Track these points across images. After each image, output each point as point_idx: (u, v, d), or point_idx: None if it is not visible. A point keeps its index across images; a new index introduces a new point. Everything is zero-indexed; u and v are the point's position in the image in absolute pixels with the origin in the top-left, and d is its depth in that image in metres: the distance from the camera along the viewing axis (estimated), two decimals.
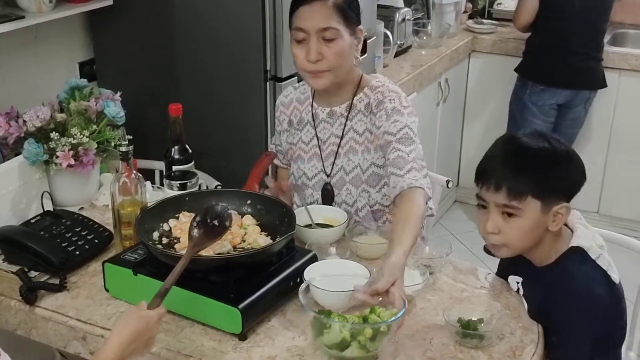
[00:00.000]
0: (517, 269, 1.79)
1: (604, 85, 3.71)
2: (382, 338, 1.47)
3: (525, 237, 1.68)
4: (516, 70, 3.77)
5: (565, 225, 1.74)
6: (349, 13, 1.92)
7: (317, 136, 2.09)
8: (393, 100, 1.96)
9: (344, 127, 2.04)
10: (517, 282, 1.78)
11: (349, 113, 2.03)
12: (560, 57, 3.58)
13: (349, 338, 1.46)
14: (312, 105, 2.10)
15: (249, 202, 1.86)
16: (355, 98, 2.03)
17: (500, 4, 4.43)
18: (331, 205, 2.08)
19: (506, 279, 1.83)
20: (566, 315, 1.63)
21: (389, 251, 1.62)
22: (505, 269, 1.85)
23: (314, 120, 2.09)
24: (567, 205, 1.67)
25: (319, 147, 2.09)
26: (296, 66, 1.98)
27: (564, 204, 1.66)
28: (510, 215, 1.66)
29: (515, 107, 3.77)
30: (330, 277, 1.66)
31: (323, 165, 2.08)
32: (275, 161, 2.23)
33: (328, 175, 2.08)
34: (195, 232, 1.56)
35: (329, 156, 2.07)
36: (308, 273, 1.68)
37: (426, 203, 1.83)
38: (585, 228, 1.73)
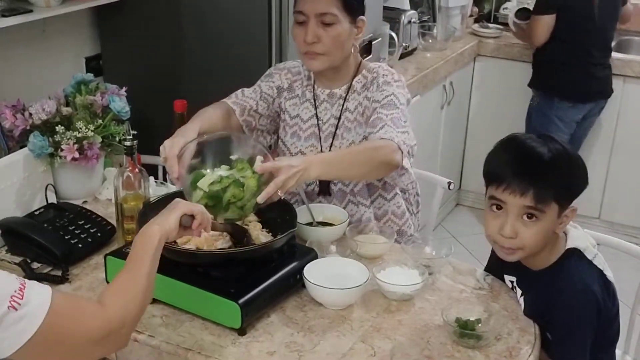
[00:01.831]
0: (510, 270, 1.80)
1: (612, 91, 3.72)
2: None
3: (539, 241, 1.66)
4: (536, 86, 3.74)
5: None
6: (350, 1, 1.97)
7: (317, 116, 2.11)
8: (385, 75, 2.04)
9: (342, 108, 2.08)
10: (512, 282, 1.79)
11: (347, 94, 2.07)
12: (583, 71, 3.56)
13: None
14: (313, 86, 2.12)
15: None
16: (355, 80, 2.08)
17: (506, 8, 4.43)
18: (328, 187, 2.10)
19: (499, 274, 1.84)
20: (566, 315, 1.63)
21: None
22: (496, 268, 1.85)
23: (315, 100, 2.11)
24: (574, 208, 1.67)
25: (319, 127, 2.11)
26: (296, 48, 2.03)
27: (573, 207, 1.67)
28: (530, 217, 1.63)
29: (539, 122, 3.70)
30: (330, 275, 1.69)
31: (321, 146, 2.11)
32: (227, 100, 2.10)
33: None
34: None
35: (327, 137, 2.10)
36: (308, 271, 1.69)
37: (402, 159, 1.85)
38: (575, 229, 1.74)
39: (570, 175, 1.66)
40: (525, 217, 1.63)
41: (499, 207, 1.66)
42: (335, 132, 2.09)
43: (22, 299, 1.17)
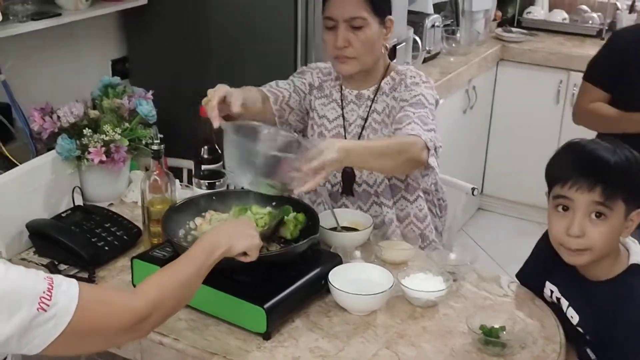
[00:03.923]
0: (557, 277, 1.76)
1: None
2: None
3: (607, 243, 1.62)
4: None
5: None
6: (378, 3, 1.98)
7: (343, 117, 2.12)
8: (414, 77, 2.05)
9: (369, 109, 2.09)
10: (552, 291, 1.77)
11: (375, 95, 2.08)
12: None
13: None
14: (341, 87, 2.13)
15: (274, 203, 1.88)
16: (383, 81, 2.09)
17: (530, 12, 4.42)
18: (351, 187, 2.11)
19: (535, 281, 1.81)
20: (631, 332, 1.59)
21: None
22: (539, 273, 1.82)
23: (342, 100, 2.12)
24: (638, 211, 1.63)
25: (344, 127, 2.12)
26: (327, 52, 2.04)
27: (638, 210, 1.63)
28: (599, 216, 1.60)
29: None
30: (354, 281, 1.69)
31: None
32: (262, 87, 2.12)
33: None
34: None
35: (353, 138, 2.11)
36: (333, 276, 1.70)
37: (427, 157, 1.86)
38: (635, 244, 1.70)
39: (638, 176, 1.62)
40: (593, 215, 1.59)
41: (565, 208, 1.62)
42: (361, 133, 2.10)
43: (50, 299, 1.19)
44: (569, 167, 1.63)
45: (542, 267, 1.80)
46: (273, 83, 2.14)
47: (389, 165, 1.87)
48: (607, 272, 1.66)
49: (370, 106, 2.09)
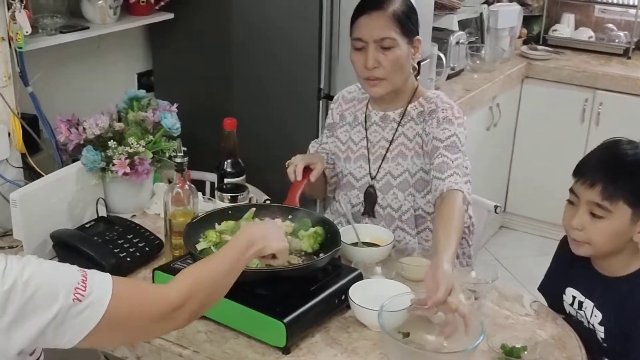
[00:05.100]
0: (577, 279, 1.78)
1: None
2: None
3: (608, 241, 1.68)
4: None
5: None
6: (407, 23, 1.99)
7: (367, 138, 2.13)
8: (445, 110, 2.02)
9: (395, 132, 2.08)
10: (574, 297, 1.78)
11: (401, 119, 2.08)
12: None
13: None
14: (366, 107, 2.14)
15: (290, 217, 1.88)
16: (410, 106, 2.08)
17: (555, 30, 4.40)
18: (373, 208, 2.11)
19: (557, 290, 1.81)
20: None
21: (436, 257, 1.64)
22: (560, 280, 1.83)
23: (366, 121, 2.13)
24: None
25: (367, 149, 2.12)
26: (355, 73, 2.05)
27: None
28: (596, 216, 1.65)
29: None
30: (374, 296, 1.68)
31: (369, 168, 2.11)
32: None
33: (373, 178, 2.11)
34: None
35: (377, 159, 2.11)
36: (353, 291, 1.70)
37: (467, 211, 1.89)
38: None
39: None
40: (591, 213, 1.65)
41: (573, 202, 1.71)
42: (385, 155, 2.09)
43: (85, 290, 1.21)
44: (585, 162, 1.72)
45: (563, 275, 1.83)
46: (321, 140, 2.24)
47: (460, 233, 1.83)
48: (624, 268, 1.70)
49: (397, 129, 2.08)
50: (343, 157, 2.17)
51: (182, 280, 1.36)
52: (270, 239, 1.52)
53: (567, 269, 1.84)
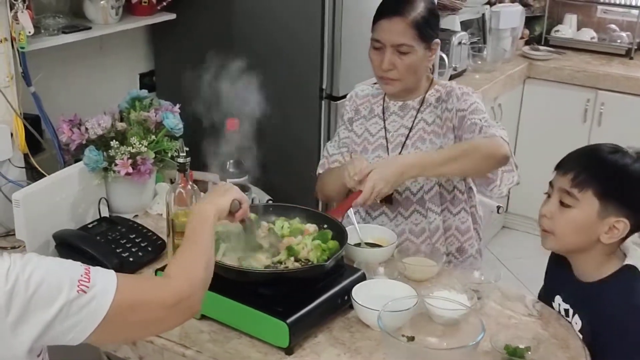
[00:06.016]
0: (561, 286, 1.79)
1: None
2: None
3: (573, 233, 1.69)
4: None
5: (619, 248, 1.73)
6: (426, 30, 2.02)
7: (385, 128, 2.15)
8: (462, 88, 2.11)
9: (415, 119, 2.11)
10: (559, 304, 1.78)
11: (420, 106, 2.12)
12: None
13: None
14: (384, 99, 2.17)
15: (295, 218, 1.88)
16: (428, 93, 2.12)
17: (557, 31, 4.40)
18: (391, 196, 2.10)
19: (550, 297, 1.82)
20: (622, 330, 1.60)
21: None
22: (550, 289, 1.84)
23: (384, 113, 2.16)
24: (625, 222, 1.65)
25: (386, 138, 2.14)
26: (373, 70, 2.09)
27: (622, 220, 1.65)
28: (564, 205, 1.68)
29: None
30: (377, 297, 1.68)
31: (388, 156, 2.12)
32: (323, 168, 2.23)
33: None
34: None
35: (396, 147, 2.12)
36: (356, 292, 1.70)
37: (509, 151, 1.92)
38: (636, 249, 1.72)
39: (621, 179, 1.65)
40: (560, 202, 1.68)
41: (549, 193, 1.74)
42: (405, 142, 2.11)
43: (89, 281, 1.21)
44: (566, 156, 1.76)
45: (552, 282, 1.84)
46: (327, 154, 2.23)
47: (468, 166, 1.92)
48: (596, 272, 1.70)
49: (416, 116, 2.11)
50: (360, 149, 2.18)
51: (180, 273, 1.35)
52: (216, 198, 1.53)
53: (554, 276, 1.86)
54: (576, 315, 1.73)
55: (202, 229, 1.45)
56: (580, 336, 1.69)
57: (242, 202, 1.60)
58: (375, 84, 2.20)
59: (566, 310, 1.77)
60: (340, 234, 1.80)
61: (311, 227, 1.83)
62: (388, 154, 2.13)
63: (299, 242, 1.76)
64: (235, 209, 1.58)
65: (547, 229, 1.73)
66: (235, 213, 1.59)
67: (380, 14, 2.04)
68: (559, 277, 1.81)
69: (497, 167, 1.97)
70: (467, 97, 2.06)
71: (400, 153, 2.11)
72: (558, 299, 1.79)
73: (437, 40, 2.08)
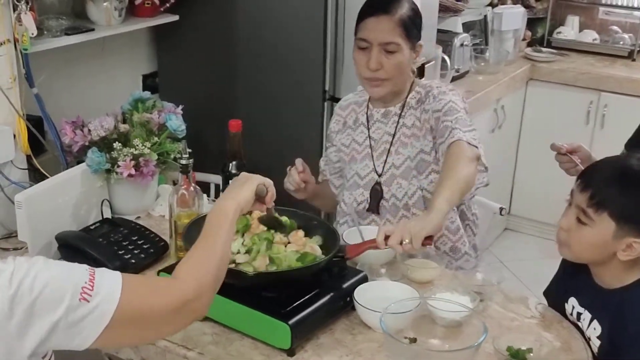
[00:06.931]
0: (578, 289, 1.77)
1: None
2: None
3: (585, 250, 1.68)
4: None
5: None
6: (412, 29, 2.01)
7: (369, 137, 2.15)
8: (439, 87, 2.09)
9: (397, 125, 2.11)
10: (573, 306, 1.76)
11: (402, 111, 2.11)
12: None
13: None
14: (367, 107, 2.17)
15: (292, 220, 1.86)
16: (409, 97, 2.11)
17: (560, 32, 4.40)
18: (378, 204, 2.11)
19: (560, 298, 1.80)
20: (635, 339, 1.59)
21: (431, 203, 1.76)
22: (562, 289, 1.82)
23: (368, 121, 2.16)
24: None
25: (371, 146, 2.14)
26: (357, 72, 2.06)
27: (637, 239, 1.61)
28: (580, 222, 1.65)
29: None
30: (379, 298, 1.68)
31: (374, 165, 2.13)
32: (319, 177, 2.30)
33: (379, 175, 2.12)
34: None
35: (381, 155, 2.13)
36: (358, 293, 1.70)
37: (477, 153, 1.88)
38: None
39: (636, 199, 1.61)
40: (577, 218, 1.65)
41: (570, 202, 1.71)
42: (389, 149, 2.11)
43: (92, 289, 1.20)
44: (590, 166, 1.74)
45: (566, 283, 1.81)
46: (322, 164, 2.30)
47: (463, 193, 1.85)
48: (618, 279, 1.68)
49: (398, 121, 2.11)
50: (348, 159, 2.19)
51: (190, 273, 1.34)
52: (236, 191, 1.50)
53: (569, 278, 1.82)
54: (594, 321, 1.70)
55: (218, 227, 1.43)
56: (599, 342, 1.67)
57: (267, 185, 1.57)
58: (360, 90, 2.19)
59: (579, 314, 1.75)
60: (332, 236, 1.79)
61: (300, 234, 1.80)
62: (373, 162, 2.13)
63: (278, 252, 1.72)
64: (263, 194, 1.56)
65: (563, 241, 1.71)
66: (265, 197, 1.56)
67: (366, 13, 2.02)
68: (576, 280, 1.78)
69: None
70: (443, 97, 2.03)
71: (385, 160, 2.11)
72: (573, 300, 1.77)
73: (421, 43, 2.07)
